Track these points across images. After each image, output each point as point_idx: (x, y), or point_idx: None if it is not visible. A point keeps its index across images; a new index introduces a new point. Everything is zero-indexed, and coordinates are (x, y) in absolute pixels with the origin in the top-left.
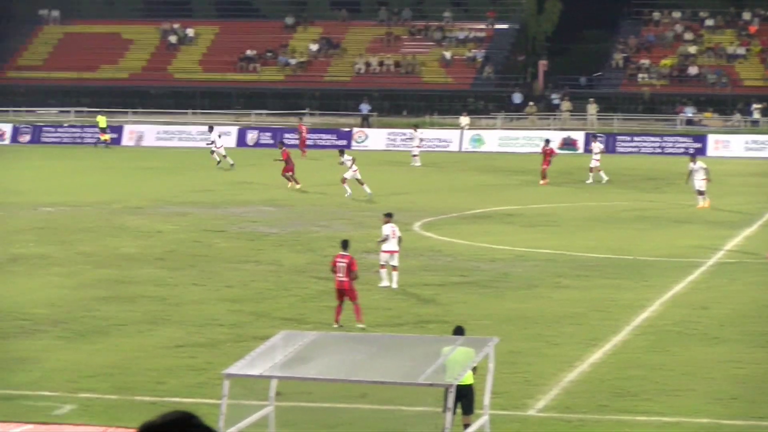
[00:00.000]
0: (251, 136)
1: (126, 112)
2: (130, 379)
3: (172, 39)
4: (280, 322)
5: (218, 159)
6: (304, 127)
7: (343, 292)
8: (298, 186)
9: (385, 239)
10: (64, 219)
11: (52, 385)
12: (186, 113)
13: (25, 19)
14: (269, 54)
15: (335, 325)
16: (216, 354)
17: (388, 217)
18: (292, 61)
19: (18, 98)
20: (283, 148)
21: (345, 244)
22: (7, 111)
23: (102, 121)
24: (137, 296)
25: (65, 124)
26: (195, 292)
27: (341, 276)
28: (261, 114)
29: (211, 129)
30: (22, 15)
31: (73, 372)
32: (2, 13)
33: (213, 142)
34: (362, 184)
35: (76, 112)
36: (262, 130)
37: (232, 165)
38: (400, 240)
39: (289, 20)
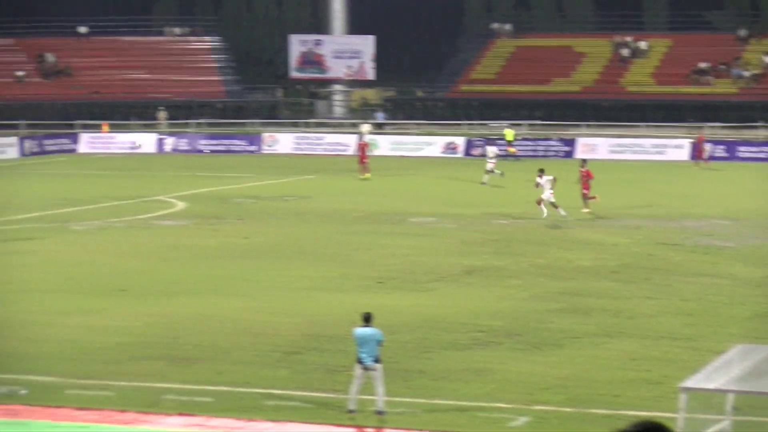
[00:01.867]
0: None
1: (579, 125)
2: (585, 392)
3: (625, 52)
4: (736, 337)
5: (486, 177)
6: (703, 138)
7: None
8: (586, 210)
9: None
10: (518, 231)
11: (507, 397)
12: (638, 126)
13: (478, 33)
14: (722, 66)
15: None
16: (671, 367)
17: None
18: (746, 74)
19: (471, 111)
20: (584, 167)
21: None
22: (460, 124)
23: (509, 134)
24: (591, 309)
25: (518, 138)
26: (649, 305)
27: None
28: (715, 127)
29: (488, 143)
30: (475, 29)
31: (527, 384)
32: (456, 28)
33: (495, 158)
34: (556, 207)
35: (529, 125)
36: (716, 143)
37: (486, 182)
38: None
39: (742, 32)
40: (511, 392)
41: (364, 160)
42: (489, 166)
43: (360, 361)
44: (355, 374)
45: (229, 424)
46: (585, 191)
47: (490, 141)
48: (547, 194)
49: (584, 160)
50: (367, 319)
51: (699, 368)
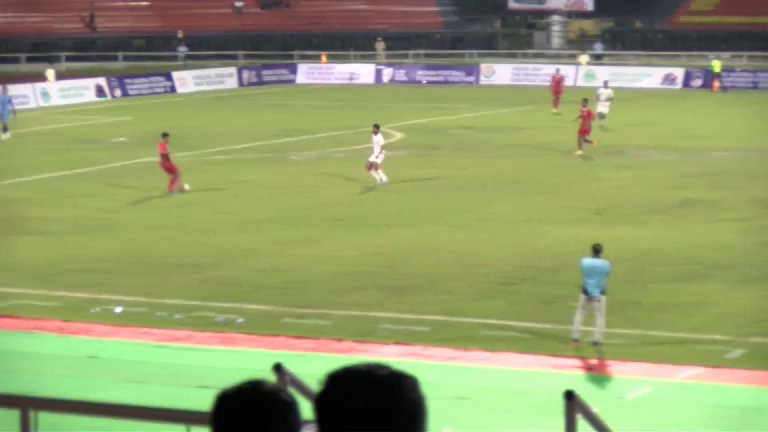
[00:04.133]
0: None
1: None
2: None
3: None
4: None
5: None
6: None
7: None
8: (579, 152)
9: None
10: (735, 164)
11: (722, 329)
12: None
13: None
14: None
15: None
16: None
17: None
18: None
19: (690, 43)
20: (586, 107)
21: None
22: (679, 55)
23: (717, 65)
24: None
25: (737, 69)
26: None
27: None
28: None
29: (605, 85)
30: None
31: (744, 316)
32: None
33: (608, 101)
34: (376, 169)
35: (749, 57)
36: None
37: (604, 124)
38: None
39: None
40: (726, 324)
41: (559, 94)
42: (601, 109)
43: (585, 292)
44: (579, 304)
45: (445, 353)
46: (584, 133)
47: (606, 84)
48: (375, 156)
49: (585, 100)
50: (597, 251)
51: None
